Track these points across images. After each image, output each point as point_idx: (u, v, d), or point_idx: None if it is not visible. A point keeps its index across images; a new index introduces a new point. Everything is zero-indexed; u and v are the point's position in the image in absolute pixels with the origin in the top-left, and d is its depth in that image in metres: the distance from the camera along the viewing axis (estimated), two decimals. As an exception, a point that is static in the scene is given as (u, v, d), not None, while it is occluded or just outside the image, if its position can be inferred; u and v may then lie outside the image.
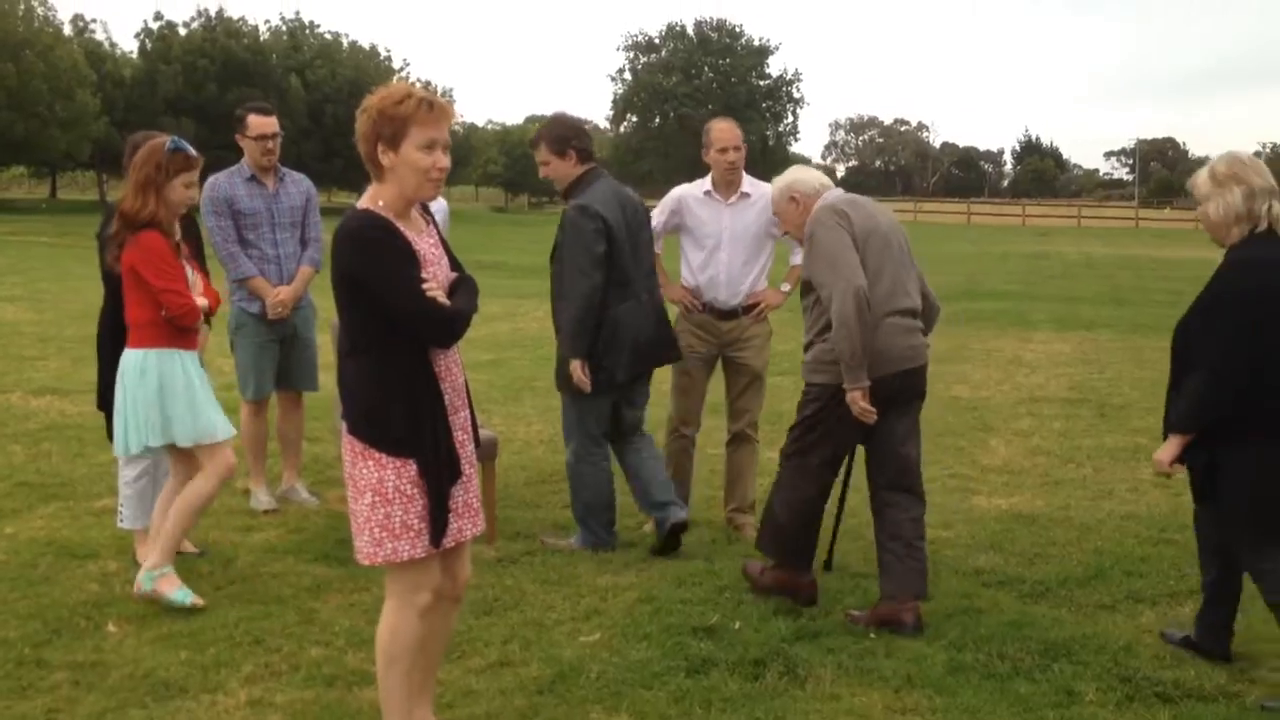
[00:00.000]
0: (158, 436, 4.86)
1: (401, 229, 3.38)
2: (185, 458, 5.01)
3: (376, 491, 3.34)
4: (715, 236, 6.17)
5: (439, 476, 3.37)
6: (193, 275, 5.04)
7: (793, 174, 5.25)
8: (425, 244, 3.45)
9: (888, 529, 4.97)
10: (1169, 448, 4.37)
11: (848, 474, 5.39)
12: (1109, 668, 4.42)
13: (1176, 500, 6.56)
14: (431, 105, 3.36)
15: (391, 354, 3.36)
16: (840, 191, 5.17)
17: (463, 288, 3.52)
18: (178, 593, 4.82)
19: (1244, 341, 4.16)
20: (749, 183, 6.24)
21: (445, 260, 3.55)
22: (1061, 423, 9.12)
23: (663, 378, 6.27)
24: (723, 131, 6.21)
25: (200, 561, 5.49)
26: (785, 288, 6.37)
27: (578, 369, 5.63)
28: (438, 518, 3.38)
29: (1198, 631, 4.62)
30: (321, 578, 5.30)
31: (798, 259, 6.00)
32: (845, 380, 4.74)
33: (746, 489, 6.33)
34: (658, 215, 6.38)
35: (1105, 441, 8.56)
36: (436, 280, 3.40)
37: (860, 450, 5.15)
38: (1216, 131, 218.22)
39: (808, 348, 4.99)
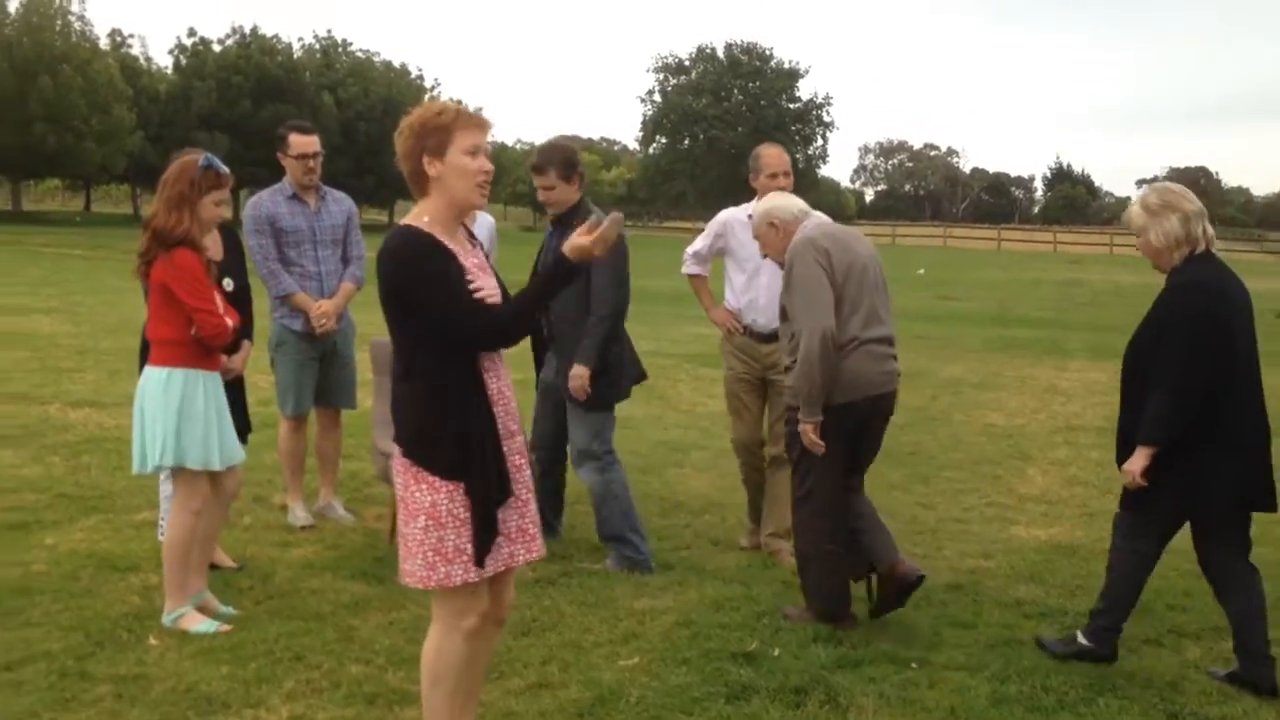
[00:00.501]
0: (170, 457, 4.79)
1: (446, 243, 3.39)
2: (194, 481, 4.91)
3: (429, 515, 3.34)
4: (756, 260, 6.16)
5: (488, 500, 3.37)
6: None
7: (772, 200, 5.40)
8: (470, 261, 3.46)
9: (854, 512, 5.20)
10: (1139, 459, 4.54)
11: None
12: (1155, 704, 4.37)
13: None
14: (472, 114, 3.43)
15: (444, 377, 3.36)
16: (820, 219, 5.35)
17: (533, 292, 3.49)
18: (201, 625, 4.82)
19: (1199, 361, 4.42)
20: None
21: (493, 278, 3.55)
22: (1099, 452, 9.04)
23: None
24: (771, 157, 6.27)
25: (239, 576, 5.50)
26: None
27: (584, 378, 5.79)
28: (483, 541, 3.37)
29: (1240, 663, 4.60)
30: (360, 595, 5.30)
31: None
32: (801, 412, 4.97)
33: (783, 514, 6.30)
34: (703, 239, 6.52)
35: (1143, 472, 8.48)
36: (486, 288, 3.40)
37: None
38: (1250, 160, 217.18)
39: (788, 370, 5.16)
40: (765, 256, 5.59)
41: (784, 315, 5.19)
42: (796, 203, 5.34)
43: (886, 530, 5.25)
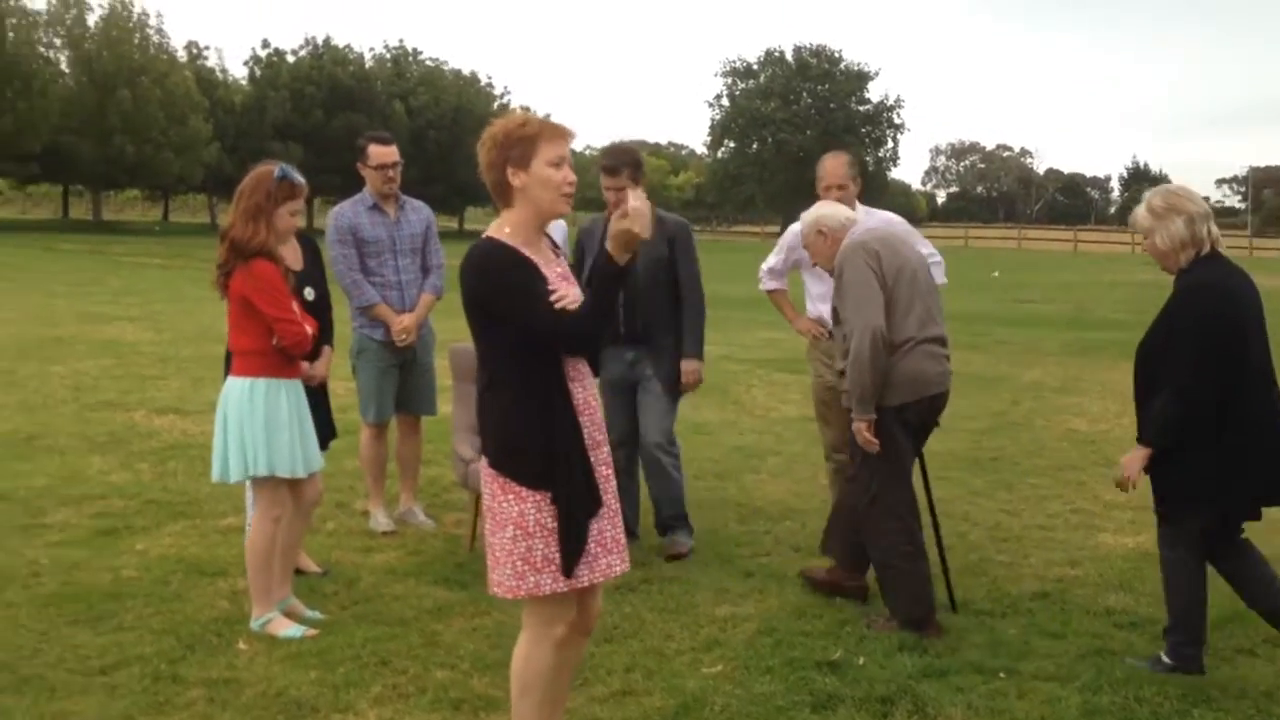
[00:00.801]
0: (263, 466, 4.85)
1: (528, 255, 3.40)
2: (277, 488, 4.97)
3: (518, 525, 3.34)
4: None
5: (575, 509, 3.36)
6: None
7: (819, 209, 5.48)
8: (553, 271, 3.46)
9: None
10: (1136, 459, 4.63)
11: (930, 503, 5.58)
12: (1251, 714, 4.27)
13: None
14: (554, 125, 3.42)
15: (529, 387, 3.36)
16: (872, 223, 5.43)
17: (600, 294, 3.40)
18: (289, 630, 4.87)
19: (1208, 364, 4.44)
20: (862, 211, 6.24)
21: (575, 286, 3.54)
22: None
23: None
24: (825, 169, 6.27)
25: (324, 581, 5.57)
26: None
27: (700, 370, 6.29)
28: (570, 550, 3.36)
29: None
30: (443, 600, 5.34)
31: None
32: (854, 410, 5.02)
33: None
34: (776, 254, 6.62)
35: (1231, 478, 8.29)
36: (570, 297, 3.39)
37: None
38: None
39: (843, 374, 5.19)
40: (815, 265, 5.65)
41: (836, 318, 5.27)
42: (844, 210, 5.43)
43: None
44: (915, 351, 5.03)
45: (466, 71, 67.07)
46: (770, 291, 6.72)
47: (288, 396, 4.92)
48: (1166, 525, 4.71)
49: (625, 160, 6.09)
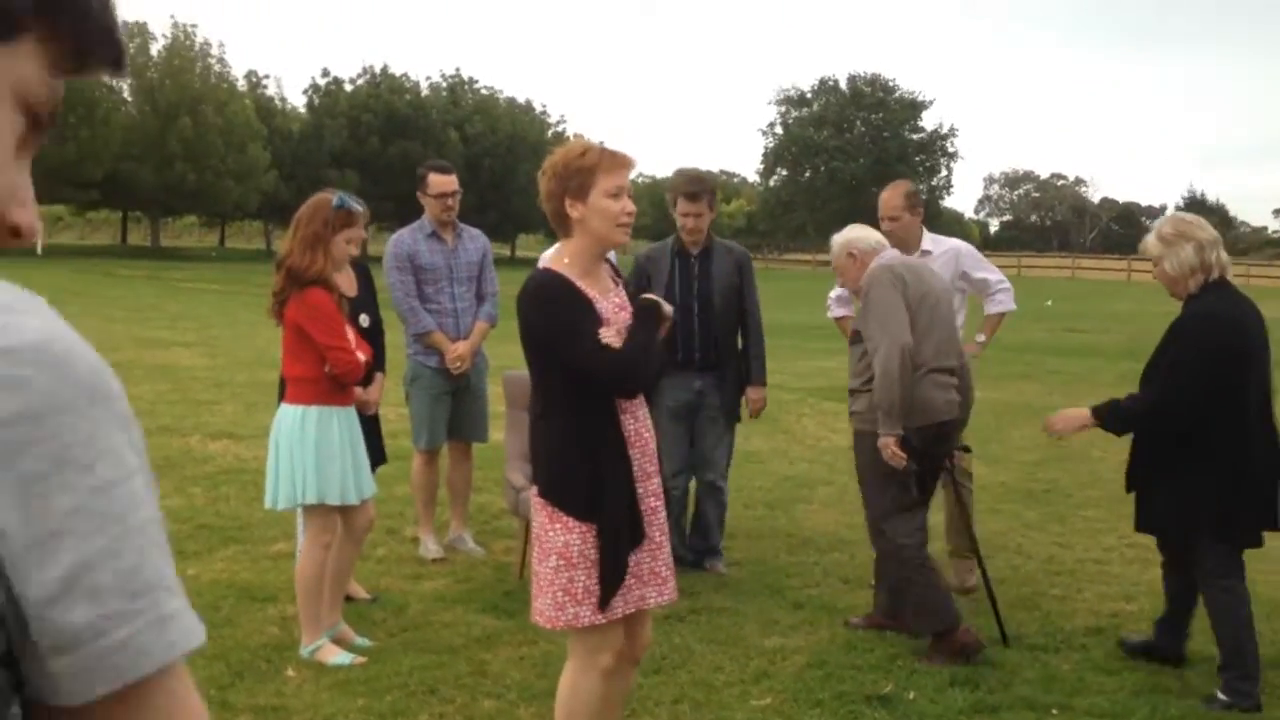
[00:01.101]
0: (313, 494, 4.87)
1: (583, 287, 3.40)
2: (327, 515, 5.00)
3: (562, 555, 3.35)
4: None
5: (619, 543, 3.35)
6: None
7: (851, 232, 5.51)
8: (609, 303, 3.46)
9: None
10: (1074, 420, 5.01)
11: (968, 521, 5.75)
12: (1314, 758, 4.16)
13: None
14: (614, 154, 3.42)
15: (580, 417, 3.38)
16: (896, 253, 5.46)
17: (638, 333, 3.45)
18: (338, 658, 4.89)
19: (1199, 389, 4.60)
20: (929, 240, 6.34)
21: (628, 318, 3.55)
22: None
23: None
24: (881, 201, 6.35)
25: (373, 608, 5.59)
26: (980, 338, 6.46)
27: (763, 397, 6.57)
28: (610, 583, 3.35)
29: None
30: (491, 629, 5.34)
31: (993, 308, 6.36)
32: (881, 427, 5.04)
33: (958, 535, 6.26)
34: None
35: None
36: (618, 334, 3.40)
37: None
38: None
39: (853, 394, 5.29)
40: (842, 286, 5.74)
41: (854, 339, 5.32)
42: (874, 234, 5.47)
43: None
44: (926, 380, 5.08)
45: (521, 99, 67.60)
46: (838, 319, 6.79)
47: (340, 424, 4.95)
48: (1196, 558, 4.75)
49: (706, 187, 6.34)
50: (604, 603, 3.34)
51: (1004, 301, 6.34)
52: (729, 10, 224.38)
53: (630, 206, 3.44)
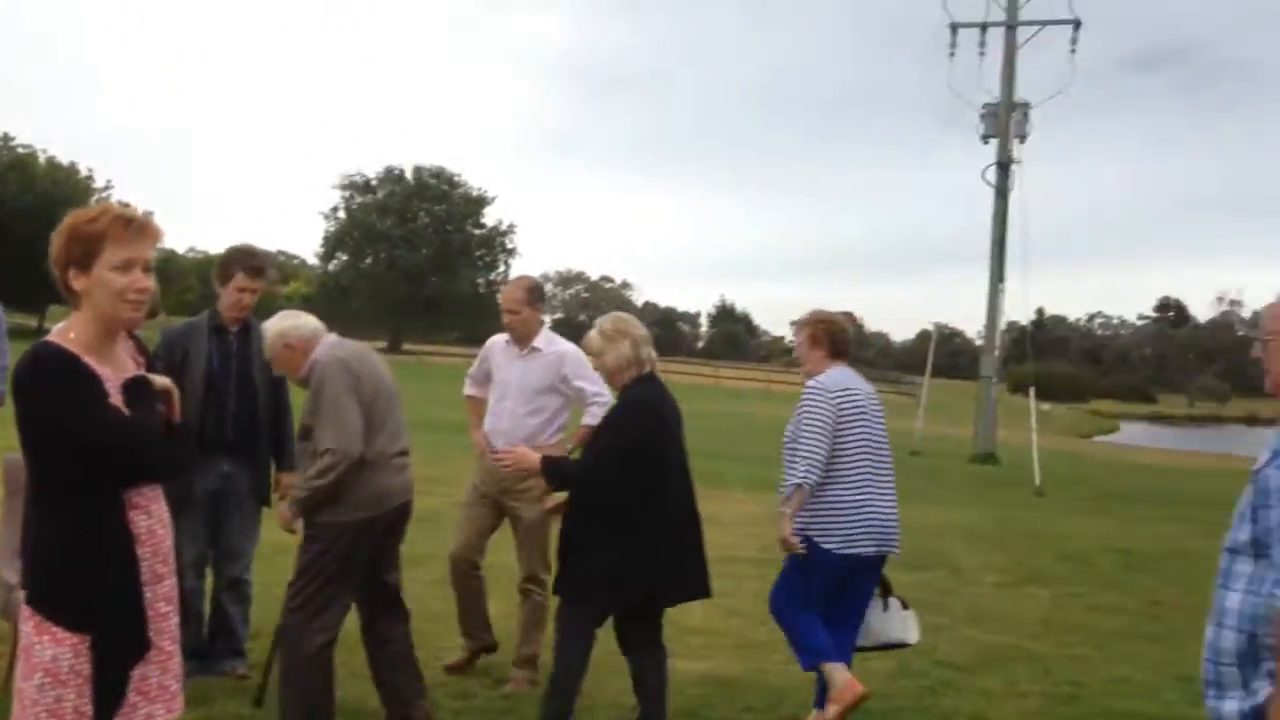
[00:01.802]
0: None
1: (89, 362, 3.09)
2: None
3: (49, 671, 3.00)
4: (505, 385, 6.54)
5: (118, 657, 3.05)
6: None
7: (284, 321, 5.46)
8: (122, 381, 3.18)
9: (390, 651, 5.49)
10: (530, 461, 5.46)
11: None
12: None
13: (869, 662, 6.80)
14: (129, 222, 3.12)
15: (82, 512, 3.05)
16: (335, 339, 5.44)
17: (135, 409, 3.15)
18: None
19: (617, 463, 5.16)
20: (544, 338, 6.67)
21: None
22: (755, 584, 9.30)
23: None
24: (503, 295, 6.67)
25: None
26: (569, 446, 6.52)
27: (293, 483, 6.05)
28: (105, 702, 3.03)
29: None
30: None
31: (587, 419, 6.43)
32: (293, 508, 5.24)
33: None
34: (476, 363, 6.90)
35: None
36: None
37: None
38: (887, 307, 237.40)
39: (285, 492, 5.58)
40: (280, 374, 5.70)
41: (304, 434, 5.31)
42: (310, 320, 5.48)
43: (414, 669, 5.56)
44: (386, 468, 5.22)
45: (65, 160, 62.68)
46: (468, 397, 6.92)
47: None
48: (570, 607, 5.22)
49: (270, 263, 6.34)
50: None
51: (596, 415, 6.45)
52: (294, 89, 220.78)
53: (143, 283, 3.13)
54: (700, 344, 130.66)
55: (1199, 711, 3.37)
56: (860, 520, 5.63)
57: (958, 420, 35.01)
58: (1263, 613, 2.94)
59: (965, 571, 10.93)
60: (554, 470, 5.41)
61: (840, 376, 5.83)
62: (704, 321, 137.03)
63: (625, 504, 5.12)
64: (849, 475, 5.65)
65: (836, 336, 5.99)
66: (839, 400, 5.69)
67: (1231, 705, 3.05)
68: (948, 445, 29.06)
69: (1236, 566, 3.09)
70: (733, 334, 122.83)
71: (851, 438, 5.69)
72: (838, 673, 5.57)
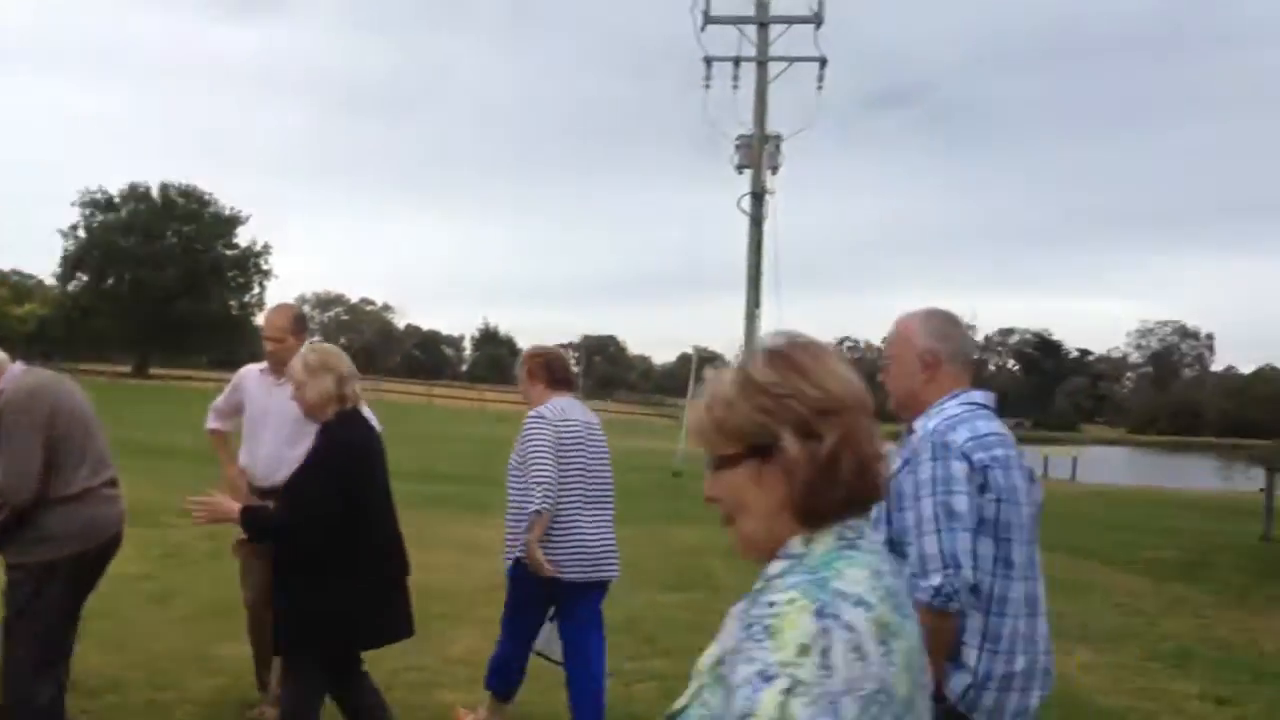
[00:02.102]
0: None
1: None
2: None
3: None
4: (263, 415, 6.29)
5: None
6: None
7: None
8: None
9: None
10: (227, 510, 4.90)
11: None
12: None
13: (632, 689, 6.85)
14: None
15: None
16: (22, 367, 5.19)
17: None
18: None
19: (326, 503, 4.79)
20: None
21: None
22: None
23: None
24: (266, 322, 6.43)
25: None
26: None
27: None
28: None
29: None
30: None
31: None
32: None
33: None
34: (225, 394, 6.60)
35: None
36: None
37: None
38: (649, 331, 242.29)
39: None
40: None
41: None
42: None
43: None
44: (95, 498, 5.04)
45: None
46: (212, 431, 6.60)
47: None
48: (293, 653, 4.97)
49: None
50: None
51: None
52: (27, 98, 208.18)
53: None
54: (464, 367, 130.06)
55: None
56: (565, 547, 5.87)
57: (717, 442, 35.82)
58: None
59: (724, 591, 11.18)
60: (253, 521, 5.00)
61: (561, 405, 6.05)
62: (468, 344, 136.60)
63: (331, 548, 4.85)
64: (559, 503, 5.85)
65: (554, 367, 6.18)
66: (560, 429, 5.91)
67: None
68: (708, 466, 29.72)
69: None
70: (496, 357, 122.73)
71: (567, 467, 5.92)
72: (499, 711, 6.04)
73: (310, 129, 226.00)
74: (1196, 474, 53.98)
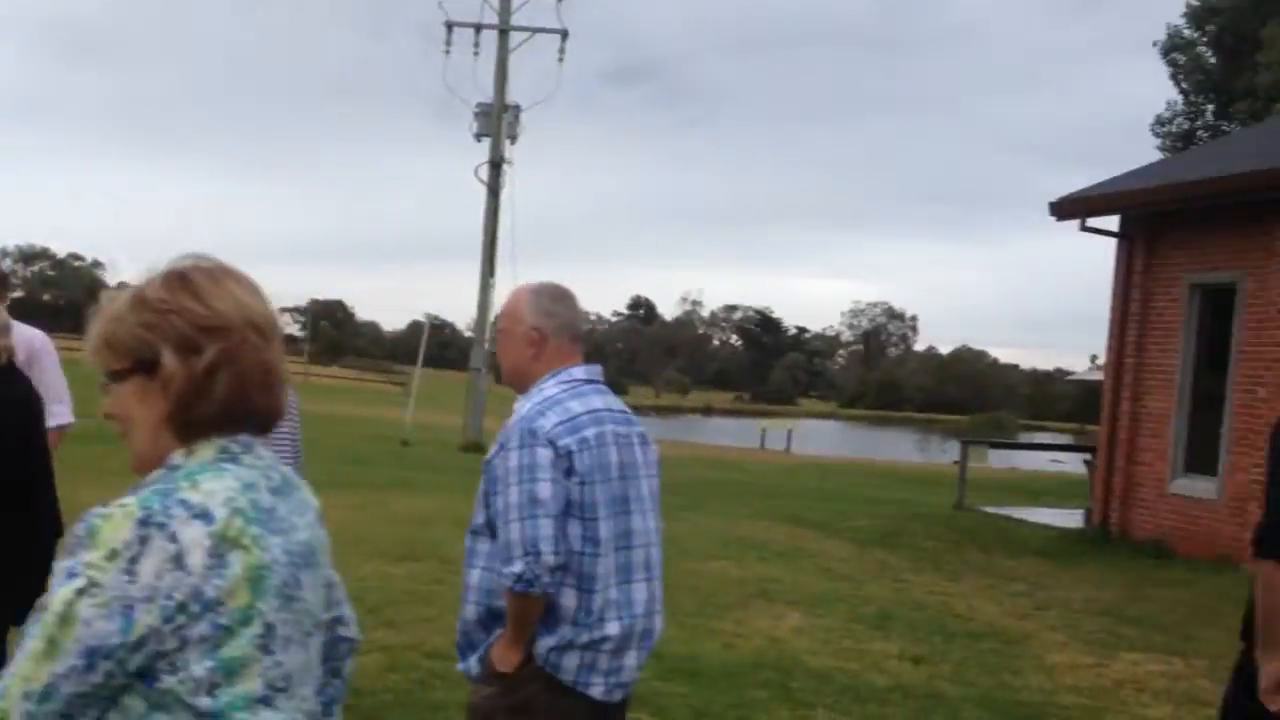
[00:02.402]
0: None
1: None
2: None
3: None
4: None
5: None
6: None
7: None
8: None
9: None
10: None
11: None
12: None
13: (358, 661, 6.77)
14: None
15: None
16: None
17: None
18: None
19: None
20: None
21: None
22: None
23: None
24: None
25: None
26: None
27: None
28: None
29: None
30: None
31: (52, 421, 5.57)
32: None
33: None
34: None
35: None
36: None
37: None
38: (378, 296, 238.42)
39: None
40: None
41: None
42: None
43: None
44: None
45: None
46: None
47: None
48: None
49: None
50: None
51: (64, 413, 5.94)
52: None
53: None
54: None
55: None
56: None
57: (448, 410, 35.66)
58: (496, 586, 3.44)
59: (454, 561, 11.15)
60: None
61: None
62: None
63: None
64: None
65: None
66: None
67: (473, 663, 3.55)
68: (438, 434, 29.53)
69: (478, 546, 3.55)
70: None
71: None
72: None
73: (11, 68, 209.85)
74: (899, 446, 57.47)
